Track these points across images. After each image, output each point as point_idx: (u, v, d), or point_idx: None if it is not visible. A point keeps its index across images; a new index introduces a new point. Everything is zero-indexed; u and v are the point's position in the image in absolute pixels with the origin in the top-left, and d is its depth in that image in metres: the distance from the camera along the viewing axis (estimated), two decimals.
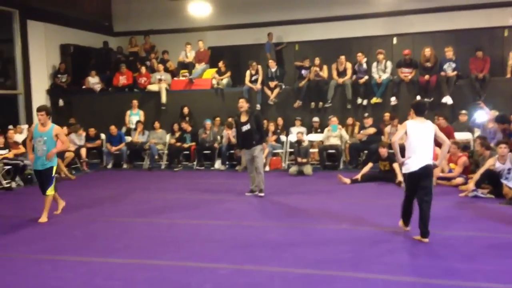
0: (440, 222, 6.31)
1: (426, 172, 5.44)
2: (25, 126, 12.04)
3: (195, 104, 12.92)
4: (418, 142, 5.50)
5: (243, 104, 8.24)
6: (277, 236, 5.86)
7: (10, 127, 10.98)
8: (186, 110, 12.79)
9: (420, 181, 5.45)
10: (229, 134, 11.43)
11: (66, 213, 7.40)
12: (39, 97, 13.59)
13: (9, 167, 9.63)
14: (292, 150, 11.47)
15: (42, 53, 13.69)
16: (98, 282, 4.43)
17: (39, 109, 6.87)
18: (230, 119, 11.73)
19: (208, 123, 12.05)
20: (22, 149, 10.19)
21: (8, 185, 9.50)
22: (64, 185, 9.98)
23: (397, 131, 6.14)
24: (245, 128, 8.16)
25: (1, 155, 9.64)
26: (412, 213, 5.69)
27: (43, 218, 6.86)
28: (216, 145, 11.82)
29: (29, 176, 9.91)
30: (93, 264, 4.93)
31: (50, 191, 6.92)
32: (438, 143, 5.83)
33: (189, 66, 13.81)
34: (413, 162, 5.47)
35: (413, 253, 5.04)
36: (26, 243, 5.82)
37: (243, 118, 8.23)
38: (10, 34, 13.04)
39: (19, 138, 10.86)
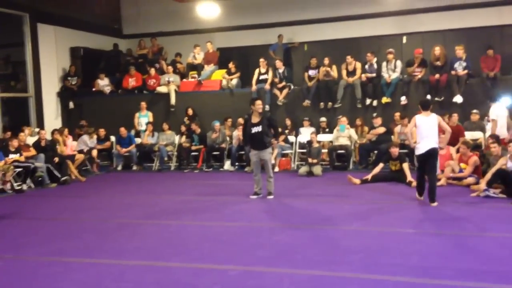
0: (452, 222, 6.29)
1: (431, 153, 7.03)
2: (36, 129, 12.14)
3: (204, 105, 12.93)
4: (425, 130, 7.04)
5: (261, 106, 8.05)
6: (286, 237, 5.83)
7: (26, 129, 11.06)
8: (190, 111, 12.77)
9: (428, 160, 7.05)
10: (239, 135, 11.42)
11: (77, 215, 7.45)
12: (50, 100, 13.74)
13: (20, 169, 9.70)
14: (301, 150, 11.43)
15: (52, 56, 13.80)
16: (108, 284, 4.43)
17: None
18: (240, 120, 11.70)
19: (217, 124, 12.02)
20: (32, 152, 10.29)
21: (19, 187, 9.58)
22: (74, 187, 10.08)
23: (409, 123, 7.59)
24: (256, 129, 7.93)
25: (13, 158, 9.71)
26: (424, 186, 7.23)
27: None
28: (224, 145, 11.82)
29: (40, 179, 10.00)
30: (103, 266, 4.93)
31: None
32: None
33: (198, 68, 13.82)
34: (422, 146, 7.05)
35: (424, 255, 4.98)
36: (37, 244, 5.84)
37: (255, 119, 7.98)
38: (21, 37, 13.19)
39: (29, 140, 10.95)
